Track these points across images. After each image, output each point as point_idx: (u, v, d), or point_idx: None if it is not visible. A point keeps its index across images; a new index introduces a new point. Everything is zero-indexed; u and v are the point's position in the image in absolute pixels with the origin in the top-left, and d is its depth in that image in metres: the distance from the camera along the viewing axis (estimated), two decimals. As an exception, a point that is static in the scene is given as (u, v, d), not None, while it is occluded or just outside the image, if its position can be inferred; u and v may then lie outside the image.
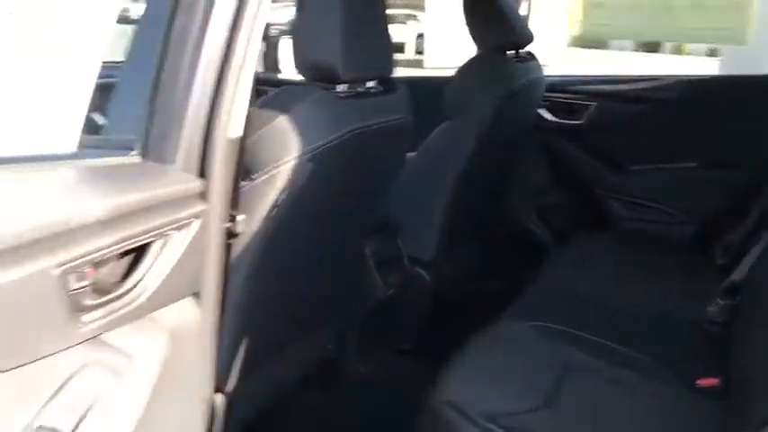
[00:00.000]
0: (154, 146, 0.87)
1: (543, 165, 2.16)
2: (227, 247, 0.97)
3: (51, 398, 0.71)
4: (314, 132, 1.09)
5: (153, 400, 0.81)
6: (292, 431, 1.54)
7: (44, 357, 0.70)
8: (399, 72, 1.39)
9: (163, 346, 0.84)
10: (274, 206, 1.06)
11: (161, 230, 0.81)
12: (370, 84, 1.25)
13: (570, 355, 1.22)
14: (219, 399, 1.11)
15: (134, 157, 0.87)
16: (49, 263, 0.67)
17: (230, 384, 1.15)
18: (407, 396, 1.19)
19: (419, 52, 11.24)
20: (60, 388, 0.72)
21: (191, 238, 0.85)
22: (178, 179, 0.85)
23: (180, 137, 0.86)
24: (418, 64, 9.99)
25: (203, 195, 0.87)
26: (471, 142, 1.66)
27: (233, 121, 0.90)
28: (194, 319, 0.90)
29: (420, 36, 11.43)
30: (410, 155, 1.59)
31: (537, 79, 1.88)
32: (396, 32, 2.37)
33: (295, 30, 1.20)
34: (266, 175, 1.06)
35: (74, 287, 0.70)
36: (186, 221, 0.84)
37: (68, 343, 0.72)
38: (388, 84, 1.28)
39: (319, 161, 1.09)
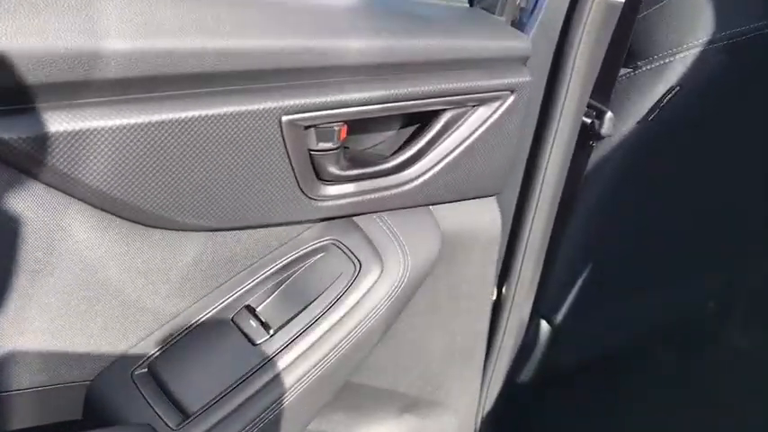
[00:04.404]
0: None
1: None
2: (587, 150, 0.74)
3: None
4: (739, 13, 0.76)
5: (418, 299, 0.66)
6: (636, 383, 1.17)
7: None
8: None
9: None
10: (656, 107, 0.76)
11: (460, 98, 0.59)
12: None
13: None
14: (545, 327, 0.93)
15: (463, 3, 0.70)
16: None
17: (559, 314, 0.93)
18: None
19: None
20: None
21: (497, 117, 0.61)
22: (502, 34, 0.62)
23: None
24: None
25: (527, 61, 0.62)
26: None
27: None
28: (490, 228, 0.67)
29: None
30: None
31: None
32: None
33: None
34: (656, 64, 0.76)
35: None
36: (496, 94, 0.61)
37: None
38: None
39: (737, 55, 0.75)
